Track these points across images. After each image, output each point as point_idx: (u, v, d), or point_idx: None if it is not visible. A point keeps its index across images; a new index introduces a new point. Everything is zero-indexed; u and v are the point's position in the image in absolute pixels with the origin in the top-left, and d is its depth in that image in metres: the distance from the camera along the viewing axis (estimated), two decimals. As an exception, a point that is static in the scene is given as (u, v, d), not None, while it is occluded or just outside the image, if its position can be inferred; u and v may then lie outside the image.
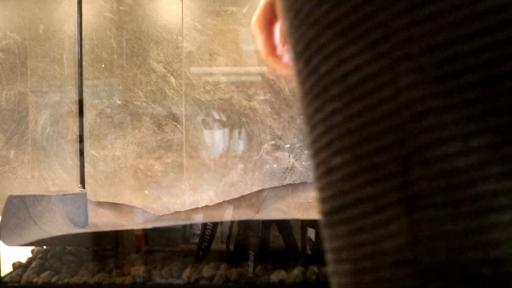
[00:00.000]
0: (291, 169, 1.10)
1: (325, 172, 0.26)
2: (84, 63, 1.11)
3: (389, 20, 0.22)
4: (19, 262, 0.82)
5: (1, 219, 0.70)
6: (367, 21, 0.23)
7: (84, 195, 0.90)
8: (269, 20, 0.38)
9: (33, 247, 0.88)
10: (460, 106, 0.21)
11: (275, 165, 1.10)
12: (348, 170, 0.24)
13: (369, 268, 0.24)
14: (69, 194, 0.85)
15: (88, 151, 1.11)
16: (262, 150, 1.11)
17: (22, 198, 0.76)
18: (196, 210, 0.92)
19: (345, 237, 0.25)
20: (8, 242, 0.69)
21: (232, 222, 0.87)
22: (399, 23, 0.22)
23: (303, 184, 0.95)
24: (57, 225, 0.76)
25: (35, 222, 0.74)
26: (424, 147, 0.22)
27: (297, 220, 0.84)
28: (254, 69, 1.11)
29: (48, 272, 0.76)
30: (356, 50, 0.23)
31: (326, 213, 0.26)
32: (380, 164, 0.23)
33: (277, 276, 0.74)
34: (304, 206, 0.86)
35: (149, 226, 0.85)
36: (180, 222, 0.87)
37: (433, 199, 0.22)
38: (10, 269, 0.80)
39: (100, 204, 0.82)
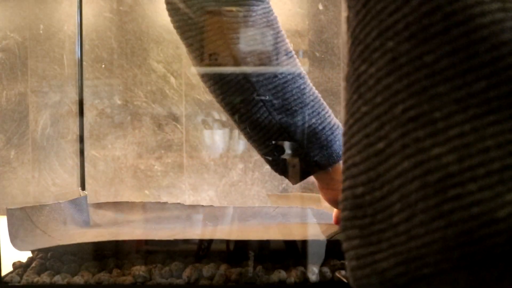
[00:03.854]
0: (291, 169, 1.10)
1: None
2: (84, 63, 1.11)
3: None
4: (19, 262, 0.82)
5: (9, 232, 0.70)
6: None
7: (84, 198, 0.90)
8: None
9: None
10: None
11: (275, 165, 1.10)
12: None
13: None
14: (69, 200, 0.84)
15: (88, 151, 1.11)
16: (262, 150, 1.11)
17: (22, 209, 0.75)
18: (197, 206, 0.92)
19: None
20: (22, 249, 0.69)
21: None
22: None
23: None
24: (63, 232, 0.76)
25: (43, 231, 0.74)
26: None
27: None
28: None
29: (48, 272, 0.76)
30: None
31: None
32: None
33: (277, 276, 0.74)
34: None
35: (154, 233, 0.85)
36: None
37: None
38: (10, 269, 0.80)
39: (100, 205, 0.82)
